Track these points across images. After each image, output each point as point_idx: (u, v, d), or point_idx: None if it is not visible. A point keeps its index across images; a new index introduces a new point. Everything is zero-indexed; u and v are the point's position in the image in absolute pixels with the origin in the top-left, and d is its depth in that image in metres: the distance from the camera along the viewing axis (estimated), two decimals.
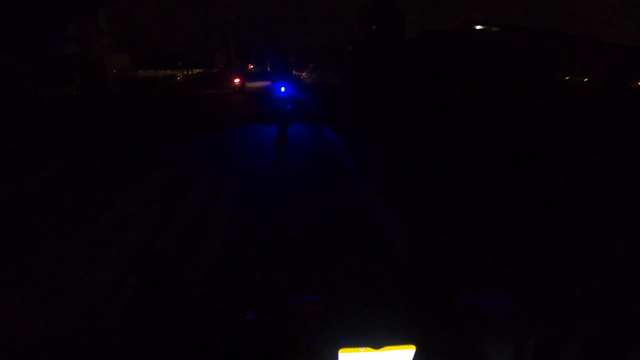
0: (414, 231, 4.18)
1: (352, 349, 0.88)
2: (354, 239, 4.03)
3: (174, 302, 1.37)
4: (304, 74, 25.42)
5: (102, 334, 1.94)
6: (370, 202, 5.27)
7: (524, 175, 6.34)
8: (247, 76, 25.95)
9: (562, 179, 6.09)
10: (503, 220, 4.43)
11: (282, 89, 9.71)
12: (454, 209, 4.77)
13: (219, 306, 1.08)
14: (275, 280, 1.18)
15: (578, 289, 2.60)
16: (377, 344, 0.88)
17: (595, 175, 6.43)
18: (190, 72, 29.92)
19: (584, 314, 1.00)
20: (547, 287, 2.76)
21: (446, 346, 1.02)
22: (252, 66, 42.88)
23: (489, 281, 3.04)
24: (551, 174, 6.45)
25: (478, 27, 26.34)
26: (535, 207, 4.82)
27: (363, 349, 0.89)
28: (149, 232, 4.22)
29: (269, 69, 31.90)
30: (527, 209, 4.79)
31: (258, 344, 1.01)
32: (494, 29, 26.92)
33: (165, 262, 2.12)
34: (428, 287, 2.63)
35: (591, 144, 8.95)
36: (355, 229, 4.30)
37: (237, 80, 22.63)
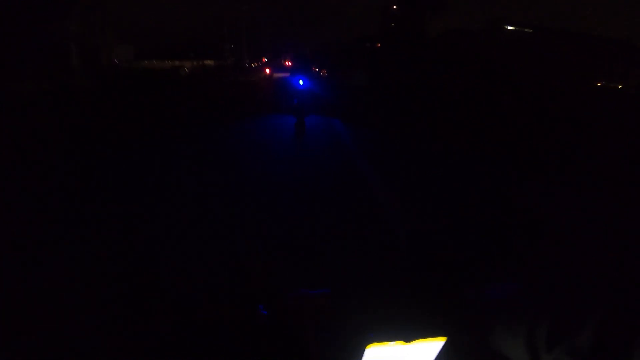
0: (418, 222, 4.16)
1: (381, 343, 0.86)
2: (360, 228, 3.97)
3: (169, 301, 1.23)
4: (324, 71, 24.04)
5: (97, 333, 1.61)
6: (380, 194, 5.16)
7: (545, 176, 6.24)
8: (274, 68, 32.26)
9: (586, 182, 5.98)
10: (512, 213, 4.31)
11: (301, 82, 10.95)
12: (462, 203, 4.70)
13: (222, 303, 1.03)
14: (278, 274, 1.15)
15: (584, 276, 1.97)
16: (407, 338, 0.86)
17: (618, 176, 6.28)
18: (201, 63, 28.94)
19: (593, 300, 0.91)
20: (552, 274, 2.03)
21: (474, 336, 0.95)
22: (265, 59, 42.17)
23: (493, 272, 2.49)
24: (577, 177, 6.37)
25: (509, 27, 24.84)
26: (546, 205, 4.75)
27: (394, 342, 0.86)
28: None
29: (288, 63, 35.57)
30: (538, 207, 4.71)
31: (272, 340, 0.97)
32: (526, 30, 25.42)
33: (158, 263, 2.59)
34: (439, 279, 2.14)
35: (623, 150, 8.87)
36: (362, 219, 4.23)
37: (267, 71, 29.93)
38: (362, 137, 9.69)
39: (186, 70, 27.06)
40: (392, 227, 4.09)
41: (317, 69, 25.55)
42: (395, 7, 53.39)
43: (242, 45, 40.46)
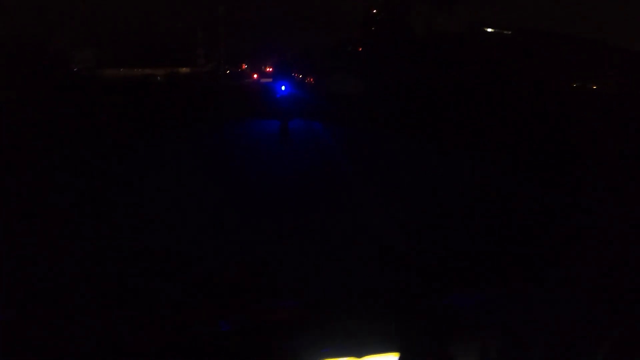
0: (399, 228, 3.89)
1: (334, 359, 0.87)
2: (336, 236, 3.77)
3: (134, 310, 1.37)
4: (310, 79, 20.69)
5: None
6: (361, 198, 4.92)
7: (528, 177, 6.04)
8: (261, 74, 34.32)
9: (567, 183, 5.89)
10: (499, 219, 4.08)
11: (283, 88, 11.37)
12: (447, 207, 4.45)
13: (185, 314, 0.94)
14: (247, 283, 1.04)
15: (569, 288, 2.52)
16: (359, 353, 0.90)
17: (600, 179, 6.14)
18: (175, 71, 28.07)
19: (572, 313, 1.06)
20: (535, 285, 2.71)
21: (429, 351, 1.01)
22: (245, 66, 41.79)
23: (474, 279, 3.00)
24: (557, 178, 6.23)
25: (489, 29, 25.17)
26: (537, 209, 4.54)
27: (346, 358, 0.87)
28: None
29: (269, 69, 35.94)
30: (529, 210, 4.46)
31: (232, 354, 0.99)
32: (505, 32, 25.78)
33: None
34: (410, 288, 2.74)
35: (600, 150, 8.95)
36: (340, 226, 3.98)
37: (255, 76, 32.15)
38: (345, 139, 9.75)
39: (158, 78, 25.73)
40: (369, 234, 3.86)
41: (299, 75, 24.70)
42: (375, 10, 53.84)
43: (220, 51, 40.09)
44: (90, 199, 5.21)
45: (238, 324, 0.97)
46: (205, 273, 2.75)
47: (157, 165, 7.72)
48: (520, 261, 3.14)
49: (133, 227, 4.35)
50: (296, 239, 3.79)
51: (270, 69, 35.14)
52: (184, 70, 28.47)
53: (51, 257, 3.38)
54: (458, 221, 4.07)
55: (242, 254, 3.64)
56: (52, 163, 7.84)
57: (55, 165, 7.66)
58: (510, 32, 25.78)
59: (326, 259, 3.32)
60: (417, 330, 1.02)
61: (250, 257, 3.53)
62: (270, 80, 25.37)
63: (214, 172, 6.88)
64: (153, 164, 7.92)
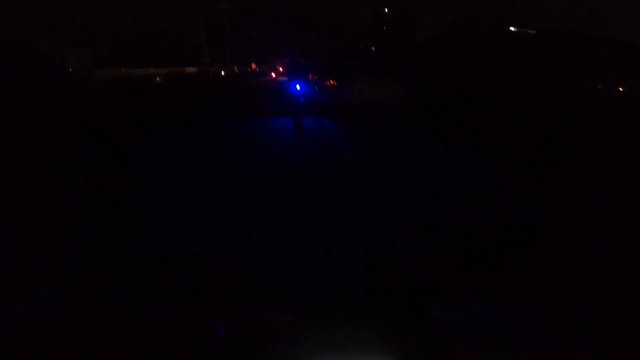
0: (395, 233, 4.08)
1: None
2: (333, 239, 3.88)
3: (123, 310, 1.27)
4: (330, 80, 16.02)
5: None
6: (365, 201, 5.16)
7: (543, 182, 6.11)
8: (278, 73, 37.79)
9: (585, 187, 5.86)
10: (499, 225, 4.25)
11: (298, 87, 11.43)
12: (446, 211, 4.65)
13: (177, 316, 1.01)
14: (236, 286, 1.32)
15: (571, 301, 2.45)
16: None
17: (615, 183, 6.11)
18: (181, 71, 26.82)
19: (577, 328, 0.88)
20: (537, 299, 2.55)
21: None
22: (255, 66, 41.10)
23: (474, 291, 2.86)
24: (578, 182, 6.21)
25: (512, 28, 24.00)
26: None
27: None
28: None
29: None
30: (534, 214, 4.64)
31: (227, 356, 0.94)
32: (530, 31, 24.62)
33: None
34: (405, 296, 2.45)
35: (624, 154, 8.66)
36: (339, 229, 4.14)
37: (273, 74, 35.87)
38: (360, 140, 9.84)
39: (157, 79, 24.11)
40: (368, 236, 4.07)
41: (315, 76, 22.03)
42: (386, 9, 52.61)
43: (226, 50, 39.28)
44: (88, 199, 5.26)
45: (235, 324, 0.84)
46: (207, 273, 2.50)
47: (158, 164, 7.51)
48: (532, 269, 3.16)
49: (135, 227, 4.34)
50: (300, 237, 3.85)
51: (281, 69, 36.12)
52: (190, 69, 27.48)
53: (45, 257, 3.42)
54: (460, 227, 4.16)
55: (241, 253, 3.66)
56: (54, 162, 7.46)
57: (57, 164, 7.32)
58: (534, 32, 24.70)
59: (328, 261, 3.39)
60: (417, 339, 0.88)
61: (248, 257, 3.55)
62: (285, 78, 24.51)
63: (222, 168, 7.03)
64: (156, 162, 7.69)
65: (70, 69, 19.36)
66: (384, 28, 47.66)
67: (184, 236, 4.00)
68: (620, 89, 30.13)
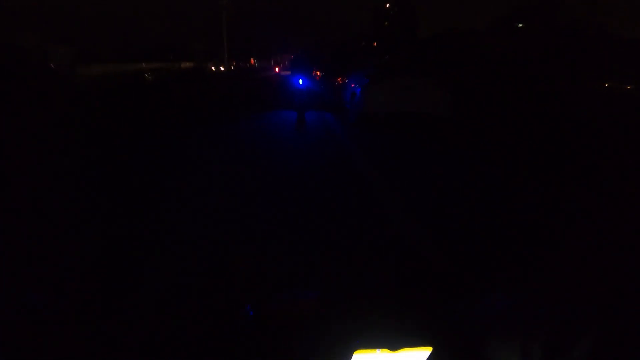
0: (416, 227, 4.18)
1: (368, 350, 0.89)
2: (356, 230, 4.02)
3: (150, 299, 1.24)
4: (339, 79, 13.35)
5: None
6: (378, 193, 5.32)
7: (546, 178, 6.30)
8: (281, 68, 39.98)
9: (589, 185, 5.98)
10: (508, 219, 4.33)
11: (300, 82, 11.37)
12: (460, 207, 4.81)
13: (205, 302, 1.06)
14: (265, 274, 1.19)
15: (582, 289, 2.46)
16: (393, 346, 0.89)
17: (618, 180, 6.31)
18: (177, 66, 25.95)
19: (590, 314, 0.95)
20: (550, 287, 2.45)
21: (461, 347, 0.97)
22: (254, 61, 40.80)
23: (489, 283, 2.98)
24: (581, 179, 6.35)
25: (520, 25, 23.51)
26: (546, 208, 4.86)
27: (380, 350, 0.89)
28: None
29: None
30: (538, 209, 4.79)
31: (256, 344, 0.96)
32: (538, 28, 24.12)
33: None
34: (429, 288, 2.28)
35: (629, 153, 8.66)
36: (358, 220, 4.28)
37: (277, 69, 39.20)
38: (362, 137, 9.87)
39: (147, 75, 22.35)
40: (388, 230, 4.14)
41: (320, 73, 20.16)
42: (388, 5, 52.00)
43: (223, 45, 38.96)
44: (93, 195, 5.19)
45: (263, 311, 0.89)
46: (234, 263, 1.99)
47: (169, 158, 7.50)
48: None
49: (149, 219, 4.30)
50: (315, 232, 3.93)
51: (280, 66, 36.75)
52: (187, 65, 26.87)
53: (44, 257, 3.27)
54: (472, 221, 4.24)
55: (263, 243, 3.70)
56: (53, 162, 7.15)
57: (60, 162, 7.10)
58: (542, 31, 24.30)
59: (354, 250, 3.52)
60: (451, 325, 0.93)
61: (275, 245, 3.63)
62: (289, 73, 24.69)
63: (231, 161, 7.12)
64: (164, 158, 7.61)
65: (52, 66, 18.18)
66: (385, 23, 47.22)
67: (208, 226, 4.00)
68: (628, 87, 29.68)
